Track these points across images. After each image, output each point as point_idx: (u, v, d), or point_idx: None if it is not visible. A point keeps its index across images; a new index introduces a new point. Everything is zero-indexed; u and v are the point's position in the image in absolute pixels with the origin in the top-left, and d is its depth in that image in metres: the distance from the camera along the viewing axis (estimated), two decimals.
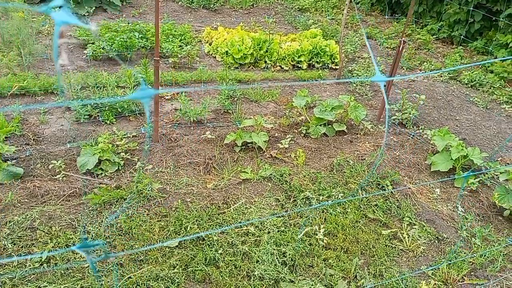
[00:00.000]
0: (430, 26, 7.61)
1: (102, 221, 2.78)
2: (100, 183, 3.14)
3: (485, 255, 2.86)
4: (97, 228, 2.73)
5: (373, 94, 5.19)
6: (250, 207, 3.10)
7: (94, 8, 6.85)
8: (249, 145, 3.81)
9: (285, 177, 3.42)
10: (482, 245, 2.97)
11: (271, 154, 3.73)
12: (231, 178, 3.36)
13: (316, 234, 2.91)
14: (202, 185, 3.26)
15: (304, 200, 3.23)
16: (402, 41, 4.17)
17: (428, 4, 7.72)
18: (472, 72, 5.96)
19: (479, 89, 5.61)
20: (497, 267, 2.79)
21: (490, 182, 3.65)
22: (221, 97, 4.47)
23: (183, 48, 5.37)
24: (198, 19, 7.26)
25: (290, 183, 3.36)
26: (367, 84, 5.43)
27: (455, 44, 7.21)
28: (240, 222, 2.93)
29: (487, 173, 3.72)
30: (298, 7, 8.38)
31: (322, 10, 8.33)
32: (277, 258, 2.68)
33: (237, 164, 3.57)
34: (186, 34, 5.83)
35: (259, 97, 4.72)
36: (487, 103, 5.20)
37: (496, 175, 3.71)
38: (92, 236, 2.66)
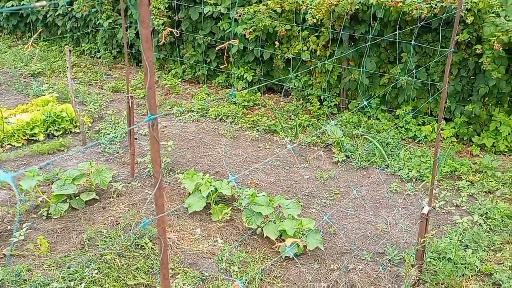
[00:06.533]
0: (174, 70, 8.37)
1: None
2: None
3: (244, 279, 3.23)
4: None
5: (124, 150, 5.29)
6: None
7: None
8: None
9: (23, 276, 3.09)
10: (240, 270, 3.34)
11: (4, 254, 3.32)
12: None
13: None
14: None
15: None
16: (129, 97, 4.44)
17: (167, 50, 8.49)
18: (218, 107, 6.80)
19: (225, 121, 6.42)
20: (255, 286, 3.18)
21: (242, 207, 4.17)
22: None
23: None
24: None
25: (30, 281, 3.05)
26: (117, 142, 5.51)
27: (201, 83, 8.12)
28: None
29: (237, 200, 4.24)
30: (30, 73, 7.94)
31: (60, 71, 8.12)
32: None
33: None
34: None
35: None
36: (233, 132, 6.00)
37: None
38: None
